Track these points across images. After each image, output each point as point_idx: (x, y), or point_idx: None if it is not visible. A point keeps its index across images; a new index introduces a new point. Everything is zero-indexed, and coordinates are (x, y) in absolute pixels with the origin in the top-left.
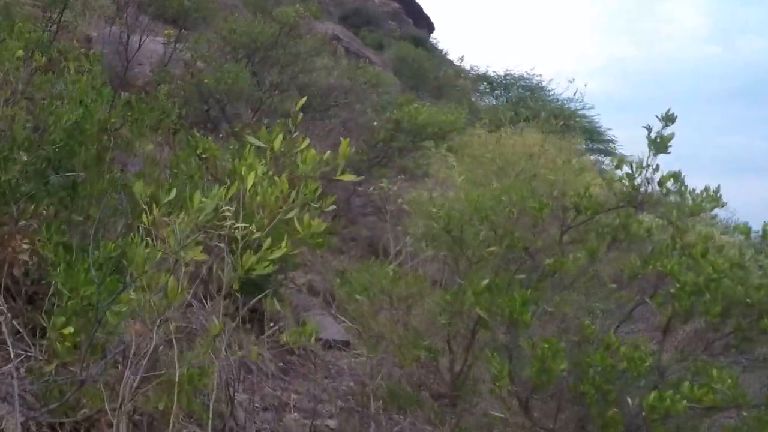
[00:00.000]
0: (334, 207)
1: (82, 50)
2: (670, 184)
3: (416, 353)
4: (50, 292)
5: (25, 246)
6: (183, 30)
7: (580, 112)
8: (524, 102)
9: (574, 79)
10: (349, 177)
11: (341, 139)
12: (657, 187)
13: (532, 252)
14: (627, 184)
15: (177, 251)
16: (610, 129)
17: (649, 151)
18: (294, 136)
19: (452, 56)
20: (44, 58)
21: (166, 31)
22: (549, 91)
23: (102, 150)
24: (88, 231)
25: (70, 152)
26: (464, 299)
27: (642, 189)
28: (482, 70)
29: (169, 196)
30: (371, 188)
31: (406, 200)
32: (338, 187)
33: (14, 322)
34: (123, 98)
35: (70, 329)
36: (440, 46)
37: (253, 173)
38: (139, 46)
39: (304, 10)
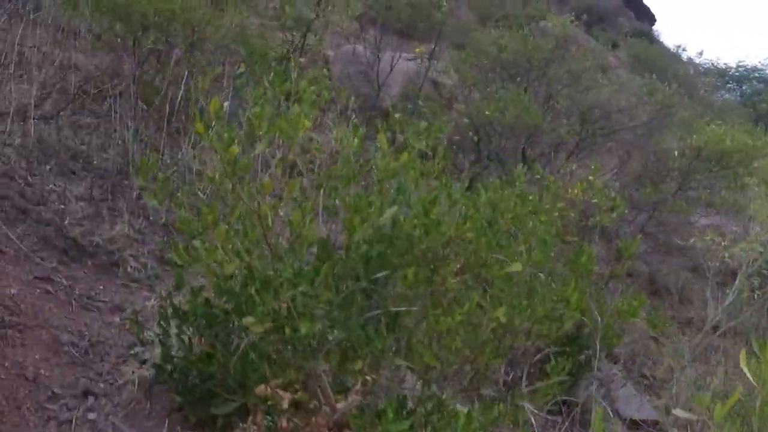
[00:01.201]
0: None
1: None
2: None
3: None
4: None
5: None
6: (435, 47)
7: None
8: (761, 96)
9: None
10: None
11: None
12: None
13: None
14: None
15: None
16: None
17: None
18: None
19: (690, 51)
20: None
21: (417, 48)
22: None
23: (439, 264)
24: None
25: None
26: None
27: None
28: (708, 62)
29: None
30: (692, 240)
31: (729, 254)
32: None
33: None
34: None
35: None
36: (661, 38)
37: None
38: (392, 68)
39: (572, 20)
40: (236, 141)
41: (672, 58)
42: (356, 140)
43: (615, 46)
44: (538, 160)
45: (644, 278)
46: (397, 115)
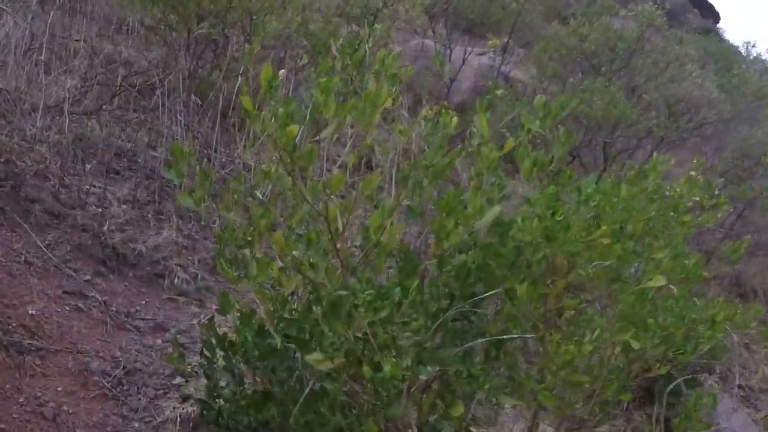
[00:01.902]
0: None
1: None
2: None
3: None
4: None
5: None
6: (508, 40)
7: None
8: None
9: None
10: None
11: None
12: None
13: None
14: None
15: None
16: None
17: None
18: None
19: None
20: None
21: (491, 42)
22: None
23: (557, 278)
24: None
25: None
26: None
27: None
28: None
29: None
30: None
31: None
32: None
33: None
34: None
35: None
36: (726, 36)
37: None
38: (464, 62)
39: (656, 8)
40: (295, 119)
41: (739, 55)
42: (453, 120)
43: (680, 42)
44: (619, 156)
45: (729, 280)
46: (498, 92)
